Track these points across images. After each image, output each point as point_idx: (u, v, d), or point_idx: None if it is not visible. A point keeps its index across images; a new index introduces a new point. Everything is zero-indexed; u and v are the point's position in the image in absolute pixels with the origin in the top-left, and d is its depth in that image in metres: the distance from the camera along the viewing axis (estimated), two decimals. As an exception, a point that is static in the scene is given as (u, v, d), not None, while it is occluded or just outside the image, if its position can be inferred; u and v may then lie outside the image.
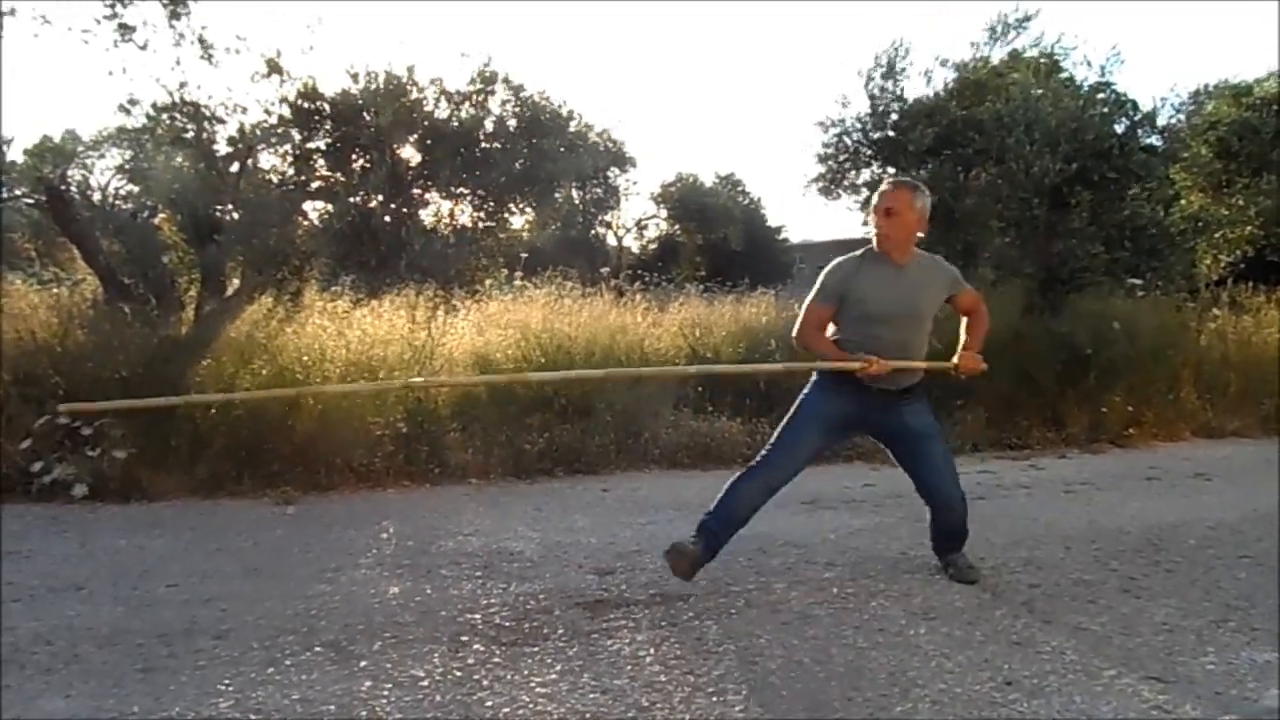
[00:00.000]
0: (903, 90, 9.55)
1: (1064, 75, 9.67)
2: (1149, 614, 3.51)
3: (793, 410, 3.78)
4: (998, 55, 11.07)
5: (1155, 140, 9.35)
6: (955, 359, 3.89)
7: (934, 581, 3.87)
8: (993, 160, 8.55)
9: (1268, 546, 4.50)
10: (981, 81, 9.67)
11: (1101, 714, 2.65)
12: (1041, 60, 10.38)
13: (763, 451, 3.76)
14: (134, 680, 2.84)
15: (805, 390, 3.83)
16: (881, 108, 9.46)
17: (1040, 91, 8.47)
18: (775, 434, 3.76)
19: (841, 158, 9.87)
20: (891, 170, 9.67)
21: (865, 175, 10.00)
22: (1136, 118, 8.70)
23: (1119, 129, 8.51)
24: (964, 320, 3.97)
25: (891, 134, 9.44)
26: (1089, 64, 9.33)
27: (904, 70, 9.56)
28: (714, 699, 2.73)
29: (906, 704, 2.69)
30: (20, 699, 2.70)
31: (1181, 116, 11.13)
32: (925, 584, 3.84)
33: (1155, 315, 8.39)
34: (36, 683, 2.82)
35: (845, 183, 10.02)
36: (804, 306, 3.81)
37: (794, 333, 3.84)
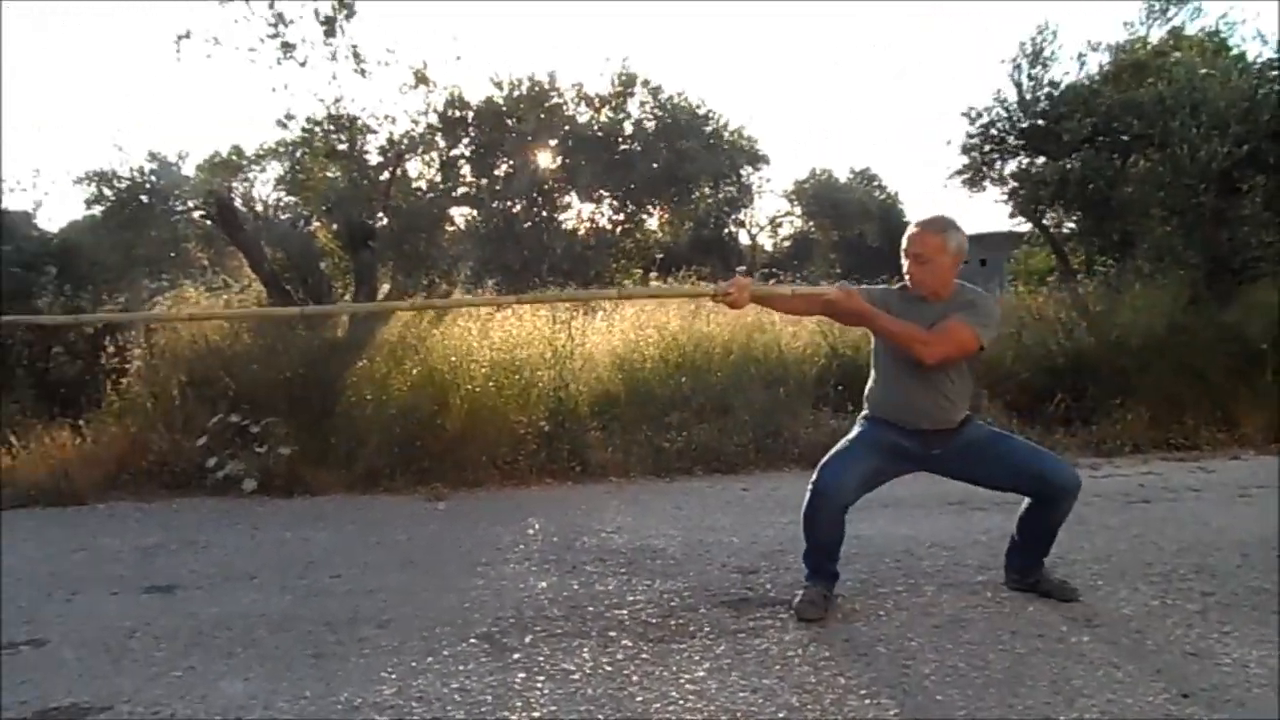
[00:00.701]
0: (1056, 76, 9.14)
1: (1234, 53, 9.05)
2: (1342, 628, 3.25)
3: (847, 437, 3.62)
4: (1155, 35, 10.49)
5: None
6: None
7: (1095, 588, 3.69)
8: (1154, 145, 8.07)
9: None
10: (1141, 63, 9.15)
11: (1291, 732, 2.48)
12: (1206, 37, 9.77)
13: (810, 482, 3.51)
14: (305, 665, 3.00)
15: (857, 423, 3.66)
16: (1030, 96, 9.07)
17: (1207, 71, 7.94)
18: (823, 460, 3.55)
19: (987, 148, 9.51)
20: (1041, 160, 9.28)
21: (1011, 166, 9.62)
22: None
23: (1295, 108, 7.90)
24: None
25: (1040, 123, 9.04)
26: (1264, 39, 8.71)
27: (1053, 56, 9.14)
28: (867, 702, 2.67)
29: (1072, 713, 2.57)
30: (205, 680, 2.89)
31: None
32: (1087, 590, 3.65)
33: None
34: (219, 665, 3.01)
35: (992, 174, 9.66)
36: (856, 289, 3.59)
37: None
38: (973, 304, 3.44)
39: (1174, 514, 4.89)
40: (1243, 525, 4.70)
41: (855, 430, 3.64)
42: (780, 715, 2.60)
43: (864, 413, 3.66)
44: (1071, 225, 9.87)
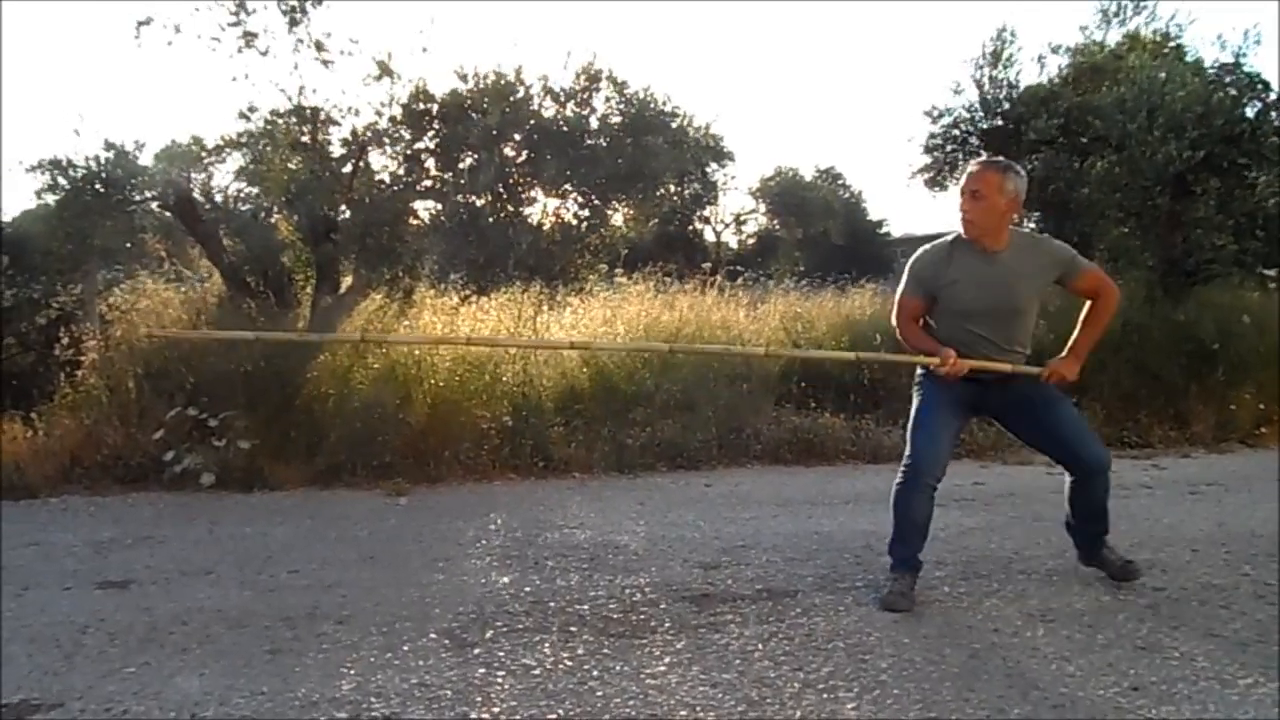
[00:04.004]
0: (1016, 78, 9.27)
1: (1190, 58, 9.22)
2: (1287, 622, 3.33)
3: (915, 407, 3.64)
4: (1112, 39, 10.66)
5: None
6: (1049, 365, 3.56)
7: (1050, 583, 3.76)
8: (1112, 147, 8.20)
9: None
10: (1099, 66, 9.30)
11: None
12: (1162, 41, 9.94)
13: (905, 458, 3.57)
14: (262, 661, 2.96)
15: (918, 385, 3.69)
16: (991, 96, 9.19)
17: (1164, 75, 8.08)
18: (909, 435, 3.59)
19: (949, 148, 9.62)
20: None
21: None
22: (1269, 99, 8.23)
23: (1250, 112, 8.07)
24: (1085, 308, 3.65)
25: (1001, 123, 9.16)
26: (1223, 44, 8.87)
27: (1012, 58, 9.28)
28: (825, 696, 2.70)
29: (1025, 706, 2.62)
30: (159, 677, 2.85)
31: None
32: (1041, 585, 3.73)
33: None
34: (175, 661, 2.97)
35: (954, 173, 9.77)
36: (895, 298, 3.69)
37: (894, 323, 3.70)
38: (1075, 256, 3.53)
39: (1127, 510, 4.97)
40: (1193, 522, 4.81)
41: (923, 394, 3.63)
42: (739, 709, 2.62)
43: (923, 372, 3.65)
44: (1032, 226, 10.02)
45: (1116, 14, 10.42)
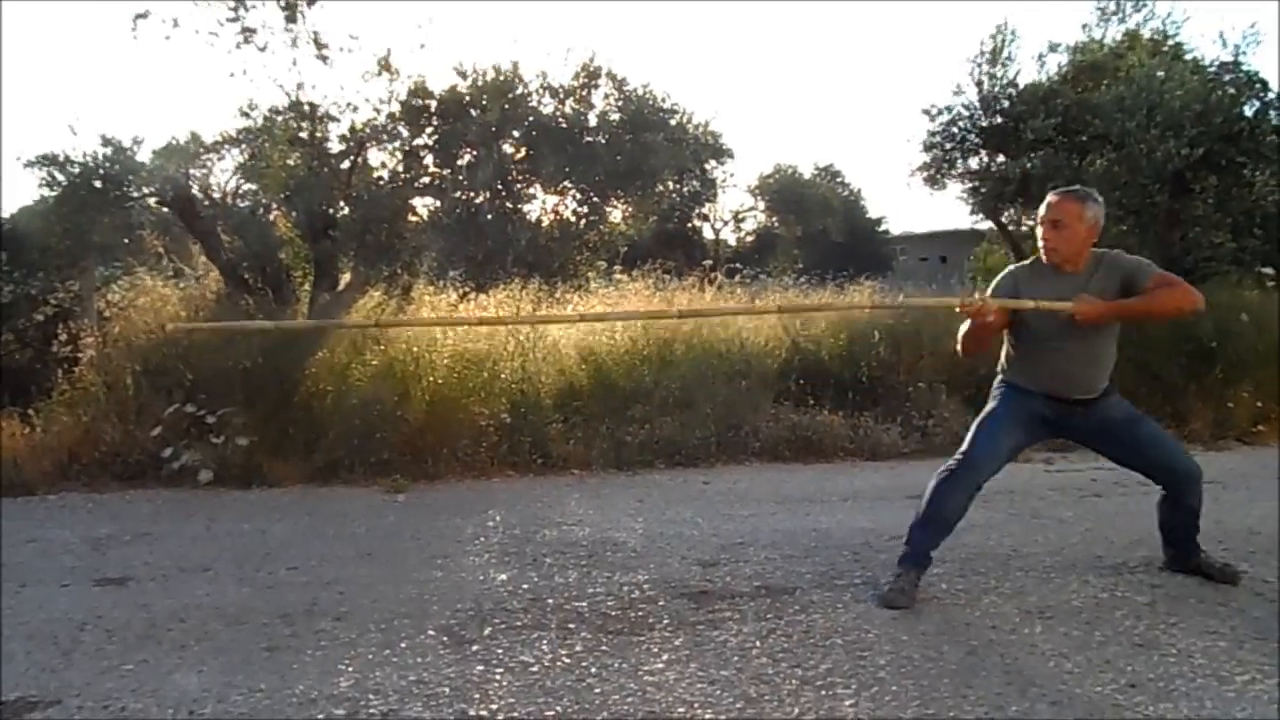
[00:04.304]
0: (1015, 76, 9.27)
1: (1189, 56, 9.22)
2: (1284, 619, 3.34)
3: (989, 408, 3.65)
4: (1111, 37, 10.65)
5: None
6: (1077, 298, 3.43)
7: (1047, 580, 3.76)
8: (1111, 146, 8.21)
9: None
10: (1098, 64, 9.30)
11: (1235, 718, 2.53)
12: (1160, 40, 9.93)
13: (962, 450, 3.57)
14: (260, 658, 2.96)
15: (997, 391, 3.70)
16: (990, 95, 9.20)
17: (1163, 73, 8.09)
18: (973, 431, 3.60)
19: (948, 146, 9.62)
20: (1001, 159, 9.39)
21: (973, 163, 9.73)
22: (1268, 98, 8.23)
23: (1248, 110, 8.07)
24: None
25: (1001, 121, 9.16)
26: (1224, 42, 8.86)
27: (1011, 56, 9.28)
28: (823, 693, 2.70)
29: (1024, 703, 2.62)
30: (157, 674, 2.85)
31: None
32: (1039, 582, 3.72)
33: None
34: (172, 658, 2.97)
35: (952, 171, 9.77)
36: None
37: (958, 344, 3.66)
38: (1139, 262, 3.51)
39: (1125, 508, 4.98)
40: (1191, 519, 4.80)
41: (999, 399, 3.66)
42: (737, 706, 2.62)
43: (1004, 380, 3.69)
44: (1031, 223, 10.02)
45: (1115, 12, 10.41)
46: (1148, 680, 2.77)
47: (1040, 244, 3.53)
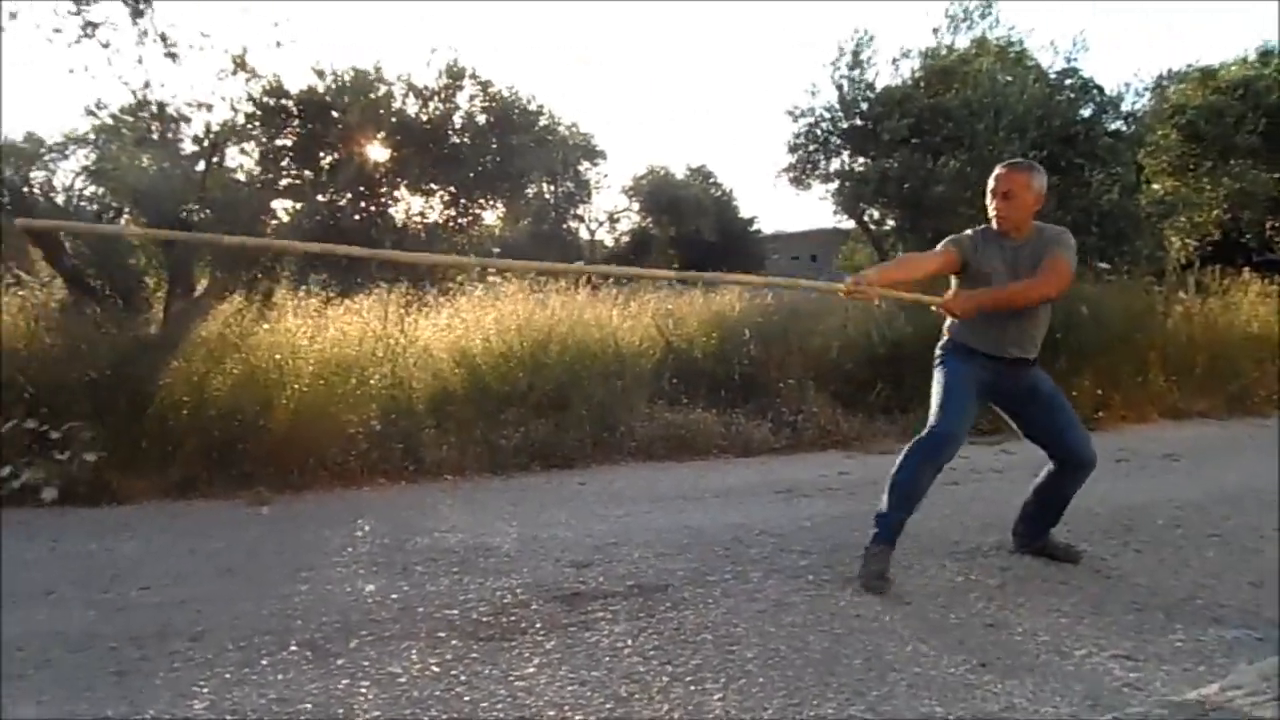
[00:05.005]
0: (874, 79, 9.61)
1: (1031, 62, 9.74)
2: (1119, 594, 3.57)
3: (943, 379, 3.78)
4: (961, 43, 11.17)
5: (1121, 125, 9.44)
6: (945, 295, 3.84)
7: (908, 568, 3.91)
8: (962, 147, 8.60)
9: (1234, 525, 4.58)
10: (948, 69, 9.73)
11: (1073, 692, 2.69)
12: (1006, 46, 10.46)
13: (932, 425, 3.69)
14: (107, 684, 2.81)
15: (942, 359, 3.85)
16: (850, 97, 9.51)
17: (1008, 79, 8.54)
18: (938, 404, 3.73)
19: (811, 147, 9.91)
20: (862, 160, 9.72)
21: (835, 164, 10.06)
22: (1102, 102, 8.78)
23: (1085, 114, 8.59)
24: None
25: (860, 123, 9.49)
26: (1056, 50, 9.41)
27: (869, 60, 9.62)
28: (692, 688, 2.74)
29: (883, 688, 2.72)
30: (-9, 707, 2.67)
31: (1146, 101, 11.25)
32: (900, 569, 3.86)
33: (1123, 299, 8.47)
34: (8, 689, 2.78)
35: (816, 172, 10.06)
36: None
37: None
38: (1059, 238, 3.75)
39: (979, 494, 5.23)
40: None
41: (948, 368, 3.81)
42: (607, 707, 2.63)
43: (951, 341, 3.86)
44: (891, 222, 10.41)
45: (964, 19, 10.92)
46: (996, 659, 2.92)
47: (992, 214, 3.75)
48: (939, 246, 3.89)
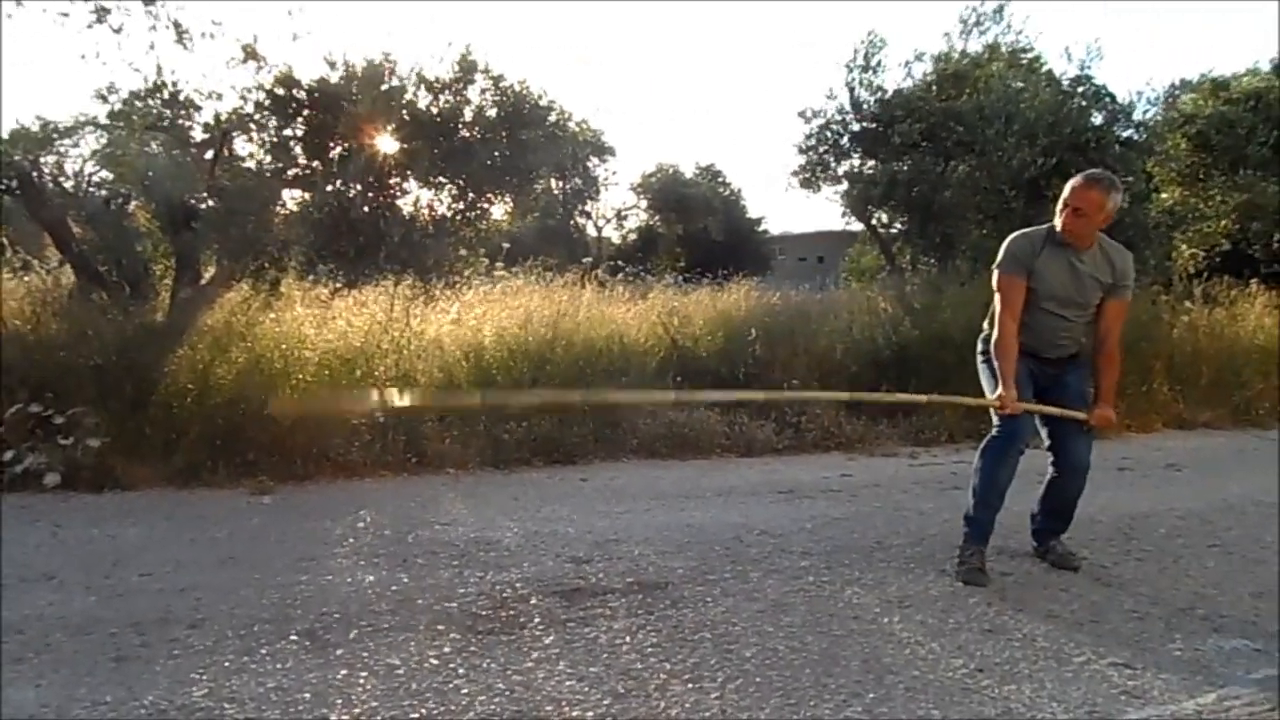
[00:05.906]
0: (883, 83, 9.60)
1: (1044, 69, 9.73)
2: (1119, 601, 3.57)
3: (994, 376, 3.79)
4: (973, 47, 11.15)
5: (1132, 133, 9.41)
6: (1090, 411, 3.83)
7: (908, 570, 3.91)
8: (973, 152, 8.59)
9: (1236, 535, 4.58)
10: (960, 74, 9.71)
11: (1071, 698, 2.69)
12: (1019, 52, 10.45)
13: (998, 425, 3.75)
14: (106, 669, 2.82)
15: (988, 356, 3.85)
16: (861, 100, 9.50)
17: (1020, 84, 8.52)
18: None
19: (822, 149, 9.90)
20: (873, 162, 9.71)
21: (845, 166, 10.05)
22: (1114, 110, 8.76)
23: (1096, 121, 8.57)
24: (1101, 351, 3.90)
25: (871, 126, 9.48)
26: (1069, 57, 9.39)
27: (880, 63, 9.61)
28: (690, 686, 2.74)
29: (880, 690, 2.72)
30: (-10, 688, 2.68)
31: (1157, 110, 11.22)
32: (900, 573, 3.87)
33: (1129, 307, 8.42)
34: (7, 672, 2.79)
35: (826, 174, 10.05)
36: (999, 278, 3.81)
37: (996, 312, 3.81)
38: (1126, 272, 3.82)
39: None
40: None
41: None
42: (605, 703, 2.63)
43: (990, 339, 3.86)
44: (899, 226, 10.39)
45: (978, 23, 10.89)
46: (995, 664, 2.92)
47: (1059, 223, 3.71)
48: (1001, 272, 3.81)
